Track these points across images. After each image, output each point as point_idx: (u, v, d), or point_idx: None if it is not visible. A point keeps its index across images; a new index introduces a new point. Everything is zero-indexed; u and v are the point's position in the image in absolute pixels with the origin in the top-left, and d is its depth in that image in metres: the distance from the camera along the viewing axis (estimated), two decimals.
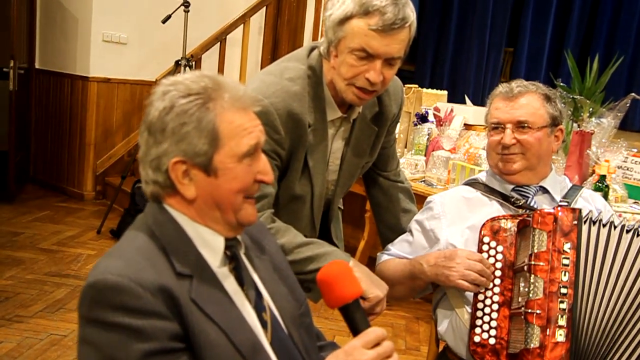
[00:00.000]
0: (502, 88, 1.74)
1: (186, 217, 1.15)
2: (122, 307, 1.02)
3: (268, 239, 1.38)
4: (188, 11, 4.77)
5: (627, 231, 1.56)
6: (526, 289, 1.54)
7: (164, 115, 1.11)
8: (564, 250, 1.54)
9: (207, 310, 1.09)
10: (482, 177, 1.83)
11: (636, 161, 2.98)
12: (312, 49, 1.66)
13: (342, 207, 2.02)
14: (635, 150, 3.09)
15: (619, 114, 3.02)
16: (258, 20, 5.74)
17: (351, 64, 1.52)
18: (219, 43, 5.26)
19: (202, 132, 1.10)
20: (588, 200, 1.79)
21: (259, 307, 1.19)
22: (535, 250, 1.55)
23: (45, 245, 4.30)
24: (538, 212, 1.59)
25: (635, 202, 2.87)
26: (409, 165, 3.79)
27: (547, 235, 1.55)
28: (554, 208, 1.60)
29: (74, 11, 5.48)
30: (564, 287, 1.51)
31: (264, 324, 1.18)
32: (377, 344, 1.10)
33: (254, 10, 5.38)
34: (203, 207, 1.14)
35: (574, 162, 2.94)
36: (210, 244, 1.16)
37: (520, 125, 1.68)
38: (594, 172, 2.88)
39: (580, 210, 1.58)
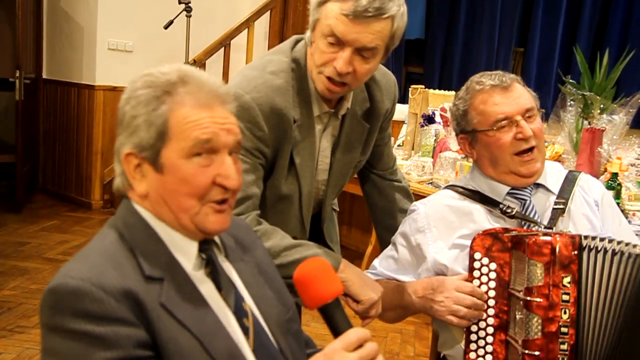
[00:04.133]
0: (490, 81, 1.55)
1: (156, 218, 1.09)
2: (83, 313, 0.95)
3: (254, 241, 1.32)
4: (190, 16, 4.74)
5: (630, 257, 1.43)
6: (522, 318, 1.42)
7: (124, 105, 1.09)
8: (563, 285, 1.41)
9: (178, 315, 1.03)
10: (468, 180, 1.65)
11: None
12: (297, 42, 1.60)
13: (337, 209, 1.94)
14: None
15: (631, 110, 2.93)
16: (263, 25, 5.71)
17: (322, 50, 1.46)
18: (223, 48, 5.22)
19: (152, 125, 1.05)
20: (585, 190, 1.64)
21: (239, 312, 1.12)
22: (531, 284, 1.42)
23: (50, 255, 4.27)
24: (533, 240, 1.43)
25: None
26: (416, 167, 3.71)
27: (543, 267, 1.41)
28: (551, 235, 1.44)
29: (79, 20, 5.49)
30: (565, 325, 1.39)
31: (245, 330, 1.11)
32: (359, 346, 1.01)
33: (258, 14, 5.35)
34: (156, 205, 1.09)
35: (584, 160, 2.85)
36: (181, 247, 1.10)
37: (527, 114, 1.53)
38: (605, 170, 2.79)
39: (580, 237, 1.44)
